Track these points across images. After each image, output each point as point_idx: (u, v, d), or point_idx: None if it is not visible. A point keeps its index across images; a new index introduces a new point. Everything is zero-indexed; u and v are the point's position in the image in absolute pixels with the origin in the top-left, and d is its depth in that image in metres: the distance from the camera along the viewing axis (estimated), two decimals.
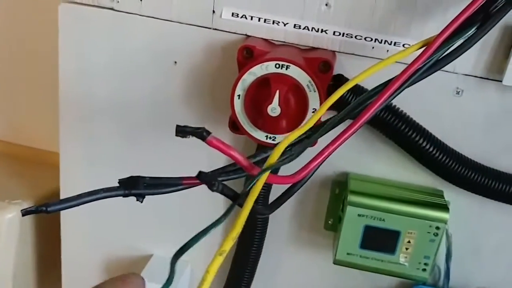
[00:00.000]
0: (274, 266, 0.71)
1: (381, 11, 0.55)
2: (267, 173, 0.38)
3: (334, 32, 0.56)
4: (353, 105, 0.44)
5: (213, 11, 0.58)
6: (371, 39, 0.56)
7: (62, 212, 0.74)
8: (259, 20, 0.57)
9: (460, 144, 0.59)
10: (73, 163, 0.70)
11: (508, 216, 0.62)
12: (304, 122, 0.54)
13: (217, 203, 0.66)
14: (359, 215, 0.59)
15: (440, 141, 0.59)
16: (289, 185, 0.45)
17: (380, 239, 0.60)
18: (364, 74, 0.45)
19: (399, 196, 0.60)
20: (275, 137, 0.56)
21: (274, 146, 0.40)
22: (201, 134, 0.37)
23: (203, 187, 0.37)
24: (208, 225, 0.35)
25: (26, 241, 0.83)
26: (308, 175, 0.41)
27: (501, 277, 0.66)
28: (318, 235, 0.68)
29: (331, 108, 0.55)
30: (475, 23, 0.46)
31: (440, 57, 0.45)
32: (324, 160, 0.41)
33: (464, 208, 0.63)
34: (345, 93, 0.55)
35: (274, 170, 0.59)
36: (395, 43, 0.56)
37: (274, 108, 0.53)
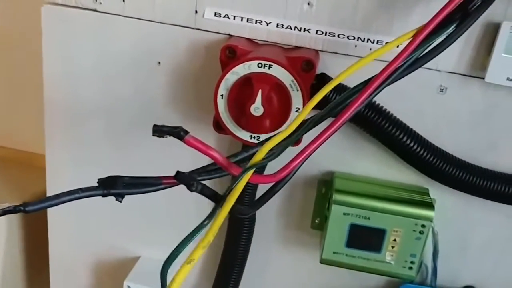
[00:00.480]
0: (262, 265, 0.71)
1: (363, 10, 0.55)
2: (250, 172, 0.38)
3: (316, 31, 0.56)
4: (333, 103, 0.44)
5: (196, 11, 0.58)
6: (354, 38, 0.56)
7: (49, 214, 0.74)
8: (241, 20, 0.57)
9: (445, 142, 0.59)
10: (59, 165, 0.70)
11: (494, 213, 0.63)
12: (287, 122, 0.54)
13: (205, 203, 0.65)
14: (344, 213, 0.59)
15: (424, 139, 0.59)
16: (272, 184, 0.45)
17: (365, 238, 0.60)
18: (344, 73, 0.45)
19: (384, 194, 0.60)
20: (259, 137, 0.56)
21: (257, 144, 0.41)
22: (178, 133, 0.37)
23: None
24: (191, 231, 0.35)
25: (14, 243, 0.83)
26: (290, 174, 0.41)
27: (488, 273, 0.66)
28: (305, 234, 0.68)
29: (314, 107, 0.55)
30: (454, 21, 0.46)
31: (420, 55, 0.45)
32: (306, 159, 0.41)
33: (450, 205, 0.63)
34: (328, 92, 0.55)
35: (259, 170, 0.59)
36: (377, 41, 0.56)
37: (257, 108, 0.53)
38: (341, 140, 0.61)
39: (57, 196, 0.37)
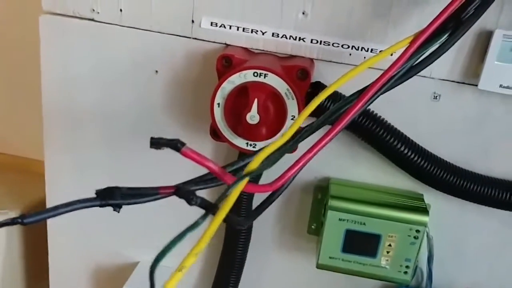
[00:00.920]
0: (259, 270, 0.71)
1: (357, 19, 0.56)
2: (244, 181, 0.38)
3: (311, 40, 0.57)
4: (329, 112, 0.45)
5: (192, 21, 0.59)
6: (348, 46, 0.57)
7: (49, 222, 0.74)
8: (237, 29, 0.58)
9: (439, 148, 0.60)
10: (58, 172, 0.71)
11: (488, 218, 0.63)
12: (282, 130, 0.55)
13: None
14: (340, 219, 0.60)
15: (419, 146, 0.59)
16: (269, 193, 0.45)
17: (361, 243, 0.61)
18: (339, 81, 0.45)
19: (379, 200, 0.61)
20: (256, 144, 0.57)
21: (254, 153, 0.41)
22: (175, 145, 0.37)
23: None
24: (183, 229, 0.36)
25: (14, 252, 0.83)
26: (286, 183, 0.42)
27: (484, 278, 0.67)
28: (302, 239, 0.68)
29: (309, 115, 0.56)
30: (447, 30, 0.46)
31: (414, 63, 0.46)
32: (302, 168, 0.42)
33: (445, 210, 0.64)
34: (323, 100, 0.56)
35: (254, 178, 0.60)
36: (371, 50, 0.57)
37: (253, 116, 0.54)
38: (337, 146, 0.62)
39: (55, 208, 0.38)
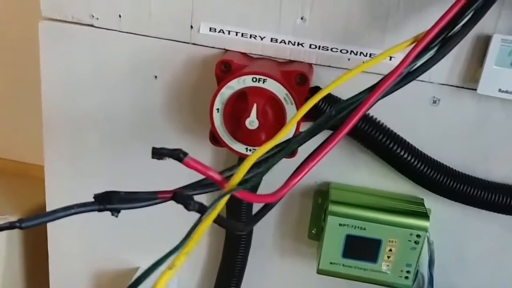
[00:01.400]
0: (260, 276, 0.71)
1: (355, 24, 0.56)
2: (225, 198, 0.38)
3: (310, 45, 0.57)
4: (323, 118, 0.45)
5: (191, 26, 0.59)
6: (347, 51, 0.57)
7: (49, 227, 0.74)
8: (236, 35, 0.58)
9: (438, 153, 0.60)
10: (58, 177, 0.71)
11: (489, 223, 0.63)
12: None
13: None
14: (340, 224, 0.60)
15: (418, 150, 0.59)
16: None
17: (362, 248, 0.61)
18: (333, 84, 0.45)
19: (380, 205, 0.61)
20: (255, 149, 0.56)
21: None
22: (178, 155, 0.37)
23: None
24: (163, 255, 0.35)
25: (14, 257, 0.83)
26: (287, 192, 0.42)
27: (485, 282, 0.67)
28: (302, 244, 0.68)
29: (309, 119, 0.56)
30: (444, 34, 0.46)
31: (413, 68, 0.46)
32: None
33: (445, 215, 0.63)
34: (320, 103, 0.56)
35: (255, 185, 0.60)
36: (370, 55, 0.57)
37: (252, 121, 0.54)
38: (337, 151, 0.62)
39: (53, 212, 0.38)
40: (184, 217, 0.71)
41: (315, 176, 0.64)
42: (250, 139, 0.56)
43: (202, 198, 0.38)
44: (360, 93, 0.44)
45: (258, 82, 0.54)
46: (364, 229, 0.60)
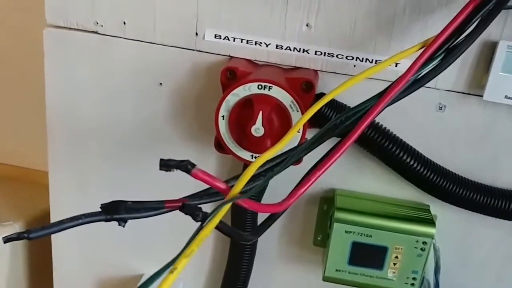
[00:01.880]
0: (265, 283, 0.71)
1: (360, 31, 0.56)
2: (225, 207, 0.37)
3: (315, 52, 0.57)
4: (331, 124, 0.45)
5: (196, 34, 0.59)
6: (352, 58, 0.57)
7: (53, 235, 0.74)
8: (241, 42, 0.58)
9: (445, 159, 0.60)
10: (62, 185, 0.71)
11: (495, 229, 0.63)
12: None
13: None
14: (346, 231, 0.60)
15: (425, 157, 0.59)
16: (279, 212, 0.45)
17: (368, 255, 0.60)
18: (336, 90, 0.45)
19: (386, 212, 0.60)
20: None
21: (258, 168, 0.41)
22: (186, 167, 0.37)
23: None
24: (167, 263, 0.35)
25: (18, 264, 0.83)
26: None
27: None
28: (308, 251, 0.68)
29: (314, 126, 0.56)
30: (451, 42, 0.46)
31: (419, 76, 0.46)
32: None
33: (451, 221, 0.63)
34: (324, 109, 0.56)
35: (259, 193, 0.60)
36: (376, 61, 0.56)
37: (257, 129, 0.54)
38: (343, 158, 0.61)
39: (60, 222, 0.38)
40: (188, 225, 0.71)
41: (321, 182, 0.64)
42: (256, 146, 0.55)
43: (208, 207, 0.38)
44: (367, 100, 0.44)
45: (264, 89, 0.54)
46: (370, 236, 0.59)
